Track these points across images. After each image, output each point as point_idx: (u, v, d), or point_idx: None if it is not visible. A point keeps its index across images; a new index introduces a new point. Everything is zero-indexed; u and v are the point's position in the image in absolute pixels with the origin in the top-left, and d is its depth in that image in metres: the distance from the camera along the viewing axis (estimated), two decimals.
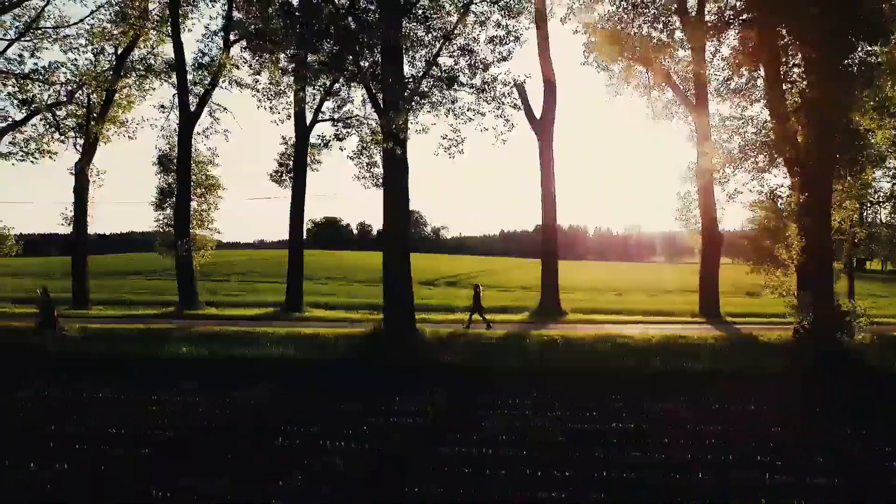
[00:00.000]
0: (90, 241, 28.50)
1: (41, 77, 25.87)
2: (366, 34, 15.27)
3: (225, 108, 24.54)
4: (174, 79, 23.94)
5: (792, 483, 7.60)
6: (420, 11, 15.51)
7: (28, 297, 28.10)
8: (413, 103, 15.32)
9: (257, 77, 23.71)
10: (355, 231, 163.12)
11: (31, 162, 26.12)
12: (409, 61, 16.14)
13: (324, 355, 15.07)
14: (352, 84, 18.41)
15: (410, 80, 15.66)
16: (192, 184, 23.87)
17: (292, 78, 21.60)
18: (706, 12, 21.07)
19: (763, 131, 14.87)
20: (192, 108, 23.73)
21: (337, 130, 16.95)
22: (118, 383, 12.78)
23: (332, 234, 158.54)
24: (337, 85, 21.91)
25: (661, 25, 22.22)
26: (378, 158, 16.34)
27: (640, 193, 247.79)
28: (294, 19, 14.66)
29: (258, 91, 22.77)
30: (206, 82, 23.94)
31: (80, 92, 26.46)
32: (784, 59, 14.55)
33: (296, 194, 23.67)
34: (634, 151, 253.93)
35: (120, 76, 26.04)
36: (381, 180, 16.52)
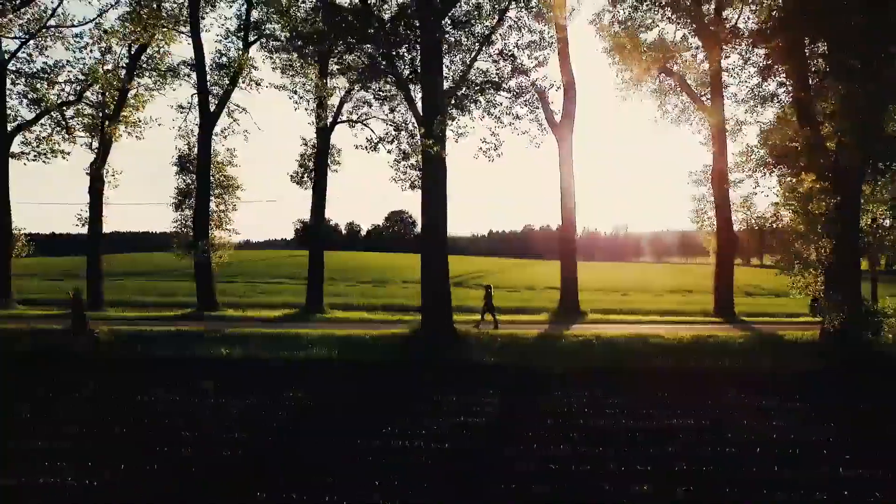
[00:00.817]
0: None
1: (47, 76, 25.66)
2: (408, 39, 15.49)
3: (244, 109, 24.47)
4: (193, 79, 23.85)
5: (866, 477, 7.98)
6: (460, 16, 15.75)
7: (40, 297, 27.86)
8: (454, 107, 15.55)
9: (281, 78, 23.94)
10: (344, 231, 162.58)
11: (43, 162, 25.94)
12: (445, 66, 16.36)
13: (368, 356, 15.20)
14: (379, 88, 18.65)
15: (450, 84, 15.90)
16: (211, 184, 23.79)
17: (314, 82, 21.76)
18: (724, 18, 21.66)
19: (791, 138, 15.34)
20: (212, 109, 23.65)
21: (386, 133, 16.97)
22: (166, 385, 12.76)
23: (321, 233, 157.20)
24: (354, 88, 22.25)
25: (676, 28, 22.83)
26: (413, 161, 16.52)
27: (627, 194, 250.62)
28: (342, 23, 14.79)
29: (288, 88, 22.92)
30: (226, 83, 23.87)
31: (89, 91, 26.29)
32: (814, 66, 15.08)
33: (316, 196, 23.73)
34: (620, 153, 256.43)
35: (133, 76, 25.89)
36: (417, 182, 16.73)
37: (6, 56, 24.60)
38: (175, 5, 24.60)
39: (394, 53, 15.36)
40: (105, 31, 25.06)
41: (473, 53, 16.21)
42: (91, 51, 25.80)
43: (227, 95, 23.93)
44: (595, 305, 27.07)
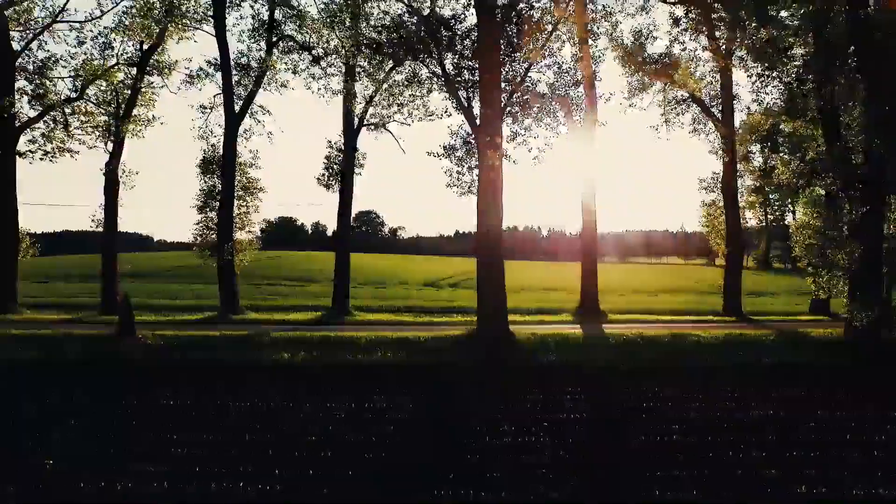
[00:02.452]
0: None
1: (45, 71, 24.79)
2: (466, 48, 16.00)
3: (268, 111, 24.31)
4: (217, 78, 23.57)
5: None
6: (514, 34, 16.35)
7: (44, 301, 26.78)
8: (509, 115, 16.13)
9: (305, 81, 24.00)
10: (310, 231, 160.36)
11: (50, 161, 25.05)
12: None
13: (433, 359, 15.58)
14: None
15: (506, 93, 16.48)
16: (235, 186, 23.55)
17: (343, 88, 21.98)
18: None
19: (816, 152, 16.66)
20: (237, 110, 23.43)
21: (454, 141, 17.33)
22: (255, 391, 12.82)
23: (288, 234, 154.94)
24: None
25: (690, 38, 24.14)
26: (467, 167, 17.00)
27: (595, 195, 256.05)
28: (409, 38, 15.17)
29: (314, 91, 23.03)
30: (250, 83, 23.68)
31: (93, 88, 25.50)
32: (840, 83, 16.41)
33: (343, 198, 23.83)
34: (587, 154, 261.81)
35: (144, 73, 25.31)
36: (470, 188, 17.22)
37: (15, 51, 23.59)
38: (196, 4, 24.17)
39: (456, 73, 15.89)
40: (118, 26, 24.39)
41: (527, 65, 16.84)
42: (92, 46, 25.07)
43: (252, 97, 23.74)
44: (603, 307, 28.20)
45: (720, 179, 24.71)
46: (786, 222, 71.81)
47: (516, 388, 13.38)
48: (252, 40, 23.87)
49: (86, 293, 31.60)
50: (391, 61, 17.23)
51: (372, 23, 17.70)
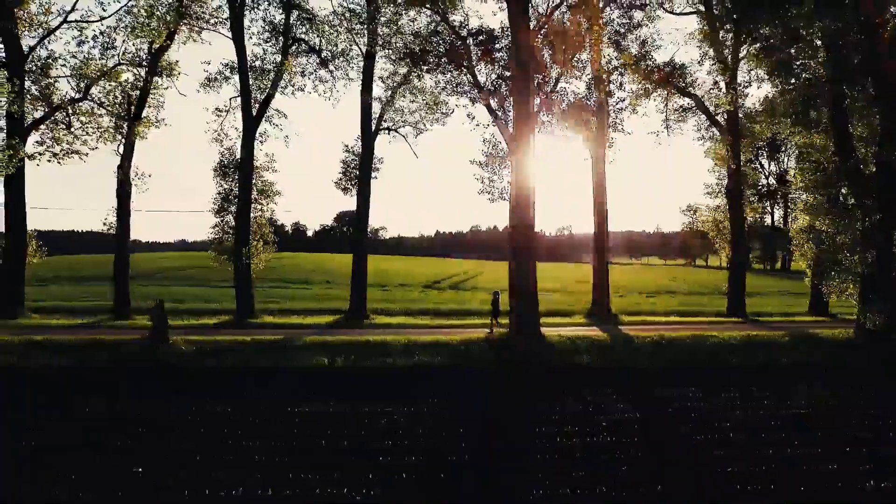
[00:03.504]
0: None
1: (43, 70, 24.35)
2: (499, 60, 16.39)
3: (284, 114, 24.30)
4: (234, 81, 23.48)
5: None
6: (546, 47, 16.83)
7: (50, 305, 26.21)
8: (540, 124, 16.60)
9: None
10: (289, 231, 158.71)
11: (58, 163, 24.56)
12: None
13: (468, 361, 15.92)
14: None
15: (538, 104, 16.95)
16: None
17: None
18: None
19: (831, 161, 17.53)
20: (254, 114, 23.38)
21: (488, 151, 17.64)
22: (290, 396, 12.94)
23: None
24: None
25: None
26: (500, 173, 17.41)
27: (569, 197, 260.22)
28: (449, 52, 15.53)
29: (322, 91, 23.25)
30: (267, 87, 23.64)
31: (98, 90, 25.12)
32: (851, 97, 17.33)
33: (360, 202, 23.97)
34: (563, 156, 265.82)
35: (155, 74, 25.05)
36: (502, 194, 17.64)
37: (25, 50, 23.10)
38: (204, 6, 24.01)
39: (490, 86, 16.31)
40: (126, 26, 24.07)
41: (556, 75, 17.34)
42: (92, 46, 24.67)
43: (268, 101, 23.69)
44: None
45: (725, 185, 25.61)
46: (765, 224, 74.39)
47: (562, 389, 13.83)
48: (268, 44, 23.80)
49: (88, 296, 31.01)
50: (423, 71, 17.43)
51: (405, 30, 17.88)
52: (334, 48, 24.72)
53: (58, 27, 23.52)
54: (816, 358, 16.72)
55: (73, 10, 23.78)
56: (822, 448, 9.93)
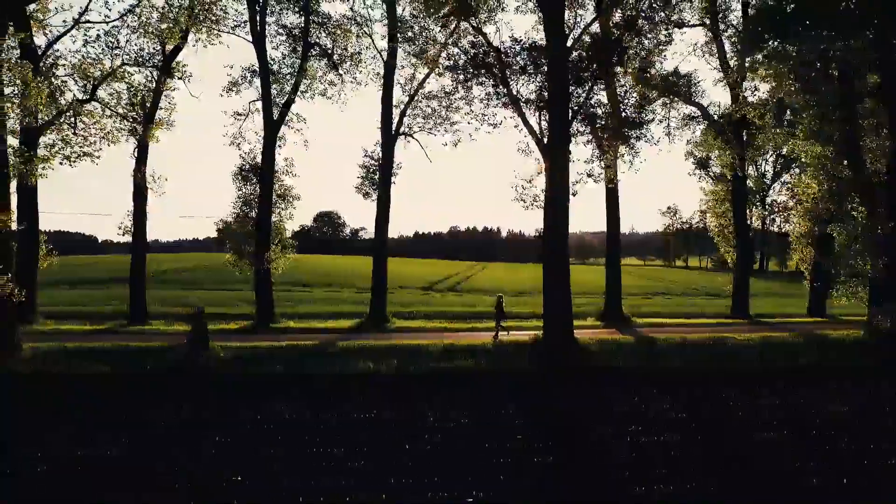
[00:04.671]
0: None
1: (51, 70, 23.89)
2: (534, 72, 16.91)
3: (303, 119, 24.33)
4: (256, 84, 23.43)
5: None
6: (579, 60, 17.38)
7: (59, 310, 25.61)
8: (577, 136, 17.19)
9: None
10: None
11: (70, 165, 24.05)
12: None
13: (511, 365, 16.35)
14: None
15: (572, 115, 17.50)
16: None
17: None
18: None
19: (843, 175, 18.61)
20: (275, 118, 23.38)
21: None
22: (344, 402, 13.17)
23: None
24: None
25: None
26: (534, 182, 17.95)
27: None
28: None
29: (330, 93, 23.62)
30: (287, 92, 23.67)
31: (104, 89, 24.73)
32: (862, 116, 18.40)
33: (381, 204, 24.17)
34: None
35: (169, 76, 24.79)
36: (536, 201, 18.17)
37: (39, 52, 22.61)
38: (216, 9, 23.88)
39: (525, 97, 16.83)
40: (136, 26, 23.78)
41: (588, 86, 17.89)
42: (96, 46, 24.28)
43: (289, 104, 23.72)
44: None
45: (729, 191, 26.66)
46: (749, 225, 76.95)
47: (606, 391, 14.39)
48: (286, 48, 23.85)
49: (89, 300, 30.36)
50: (462, 84, 17.81)
51: (442, 41, 18.24)
52: (344, 51, 24.91)
53: (72, 27, 23.08)
54: (832, 359, 17.65)
55: (86, 10, 23.38)
56: (874, 443, 10.67)
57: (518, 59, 17.37)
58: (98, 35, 23.90)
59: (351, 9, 24.50)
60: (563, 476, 9.42)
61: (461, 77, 17.33)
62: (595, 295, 33.93)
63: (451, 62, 17.68)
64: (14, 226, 16.73)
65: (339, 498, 8.38)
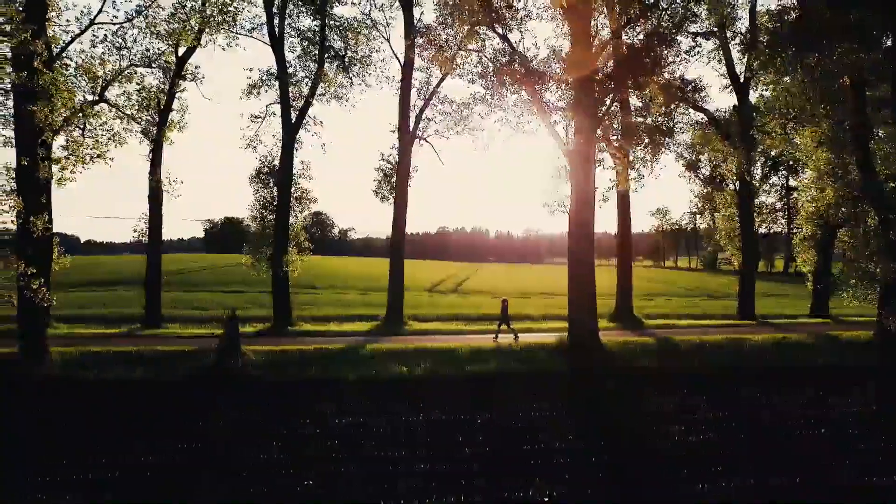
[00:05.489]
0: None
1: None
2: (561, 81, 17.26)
3: (321, 122, 24.40)
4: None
5: None
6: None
7: (72, 314, 25.29)
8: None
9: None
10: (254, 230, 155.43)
11: (83, 168, 23.83)
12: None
13: (544, 366, 16.66)
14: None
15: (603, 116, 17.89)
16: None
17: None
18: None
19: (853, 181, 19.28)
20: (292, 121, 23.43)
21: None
22: (391, 405, 13.39)
23: (233, 236, 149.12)
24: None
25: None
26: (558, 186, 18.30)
27: (537, 198, 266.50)
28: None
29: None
30: (304, 95, 23.75)
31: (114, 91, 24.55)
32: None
33: (398, 207, 24.34)
34: (527, 161, 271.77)
35: (181, 78, 24.70)
36: (561, 205, 18.52)
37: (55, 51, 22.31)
38: (241, 12, 23.88)
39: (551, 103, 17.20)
40: (147, 27, 23.66)
41: (616, 95, 18.30)
42: (105, 48, 24.09)
43: (306, 108, 23.77)
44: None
45: (736, 195, 27.31)
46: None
47: (640, 391, 14.77)
48: (304, 51, 23.92)
49: (98, 303, 29.99)
50: (489, 90, 18.07)
51: (470, 47, 18.49)
52: (359, 55, 25.07)
53: (87, 28, 22.84)
54: (848, 359, 18.25)
55: (101, 11, 23.17)
56: None
57: (544, 65, 17.68)
58: (105, 36, 23.81)
59: (367, 14, 24.69)
60: (623, 475, 9.72)
61: (491, 83, 17.56)
62: (602, 296, 34.31)
63: (480, 69, 17.91)
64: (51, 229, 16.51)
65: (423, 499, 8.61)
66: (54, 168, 17.12)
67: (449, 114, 24.16)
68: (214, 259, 67.64)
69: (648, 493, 9.18)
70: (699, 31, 25.29)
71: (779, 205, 68.71)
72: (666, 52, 16.28)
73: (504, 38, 18.22)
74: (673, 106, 26.94)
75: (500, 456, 10.35)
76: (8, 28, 13.55)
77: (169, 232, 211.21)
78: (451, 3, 18.39)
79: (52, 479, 9.25)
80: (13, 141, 16.09)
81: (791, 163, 65.17)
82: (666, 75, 17.24)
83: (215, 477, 9.40)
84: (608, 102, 18.03)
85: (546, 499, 8.71)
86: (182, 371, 15.66)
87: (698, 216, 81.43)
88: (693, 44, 18.89)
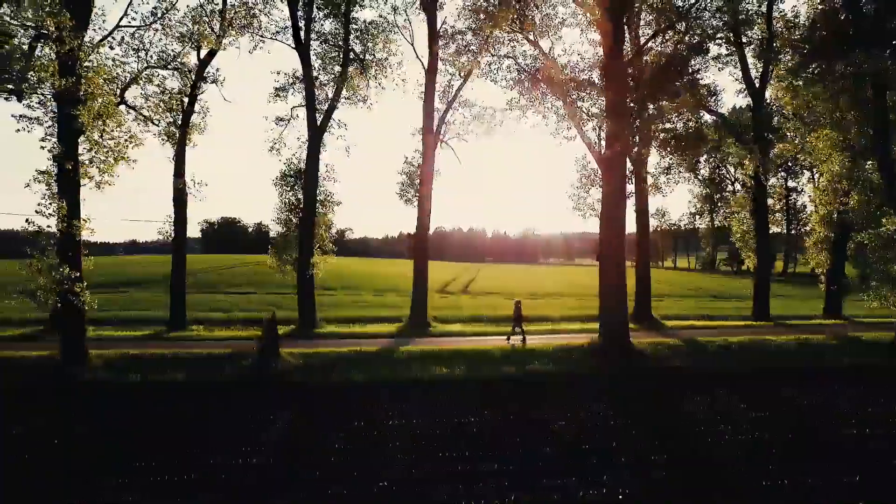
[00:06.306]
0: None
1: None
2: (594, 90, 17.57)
3: (345, 125, 24.56)
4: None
5: None
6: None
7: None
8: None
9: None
10: (251, 231, 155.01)
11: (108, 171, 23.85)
12: None
13: (581, 369, 16.93)
14: None
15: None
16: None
17: None
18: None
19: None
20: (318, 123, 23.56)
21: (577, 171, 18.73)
22: (435, 406, 13.62)
23: (229, 235, 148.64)
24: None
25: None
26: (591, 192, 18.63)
27: (533, 198, 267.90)
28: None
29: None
30: (329, 98, 23.90)
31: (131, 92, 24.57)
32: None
33: (421, 210, 24.55)
34: (524, 162, 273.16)
35: (203, 80, 24.77)
36: (592, 210, 18.83)
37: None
38: (263, 16, 23.97)
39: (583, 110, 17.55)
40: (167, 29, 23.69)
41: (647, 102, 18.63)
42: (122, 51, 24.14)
43: (331, 111, 23.91)
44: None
45: (751, 199, 27.75)
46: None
47: (678, 392, 15.08)
48: (327, 55, 24.07)
49: (112, 305, 29.90)
50: (523, 97, 18.35)
51: (502, 52, 18.76)
52: (371, 56, 25.23)
53: (112, 31, 22.82)
54: (873, 359, 18.68)
55: (125, 14, 23.18)
56: None
57: (577, 72, 17.97)
58: (123, 38, 23.81)
59: (384, 17, 24.92)
60: (686, 476, 9.99)
61: (526, 90, 17.84)
62: None
63: (515, 75, 18.20)
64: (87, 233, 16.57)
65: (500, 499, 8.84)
66: (93, 171, 17.05)
67: (476, 118, 24.45)
68: (216, 260, 67.32)
69: (714, 493, 9.43)
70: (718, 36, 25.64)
71: (777, 205, 69.53)
72: (697, 59, 16.61)
73: (534, 43, 18.49)
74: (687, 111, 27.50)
75: (561, 456, 10.59)
76: (60, 34, 13.62)
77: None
78: (482, 10, 18.65)
79: (131, 482, 9.38)
80: (54, 145, 16.03)
81: (790, 164, 66.37)
82: (691, 82, 17.54)
83: (288, 480, 9.57)
84: (642, 109, 18.33)
85: (620, 497, 8.95)
86: (226, 374, 15.79)
87: (697, 217, 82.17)
88: (729, 51, 19.26)
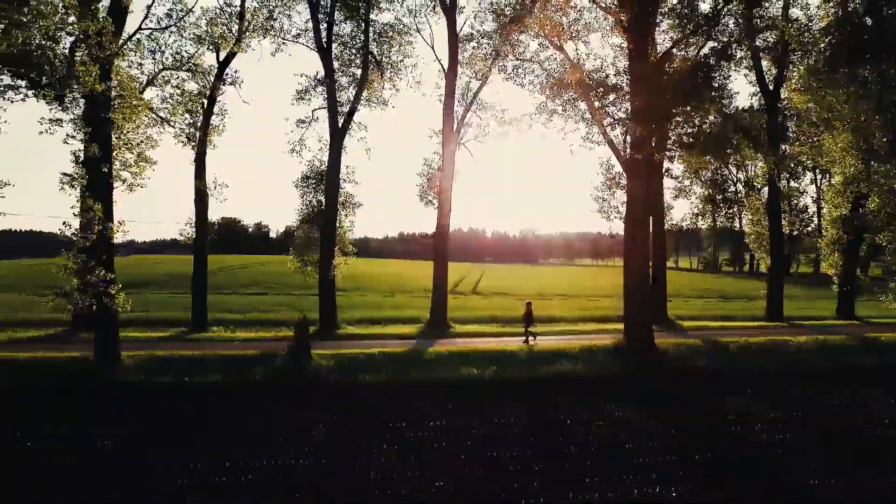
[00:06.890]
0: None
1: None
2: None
3: (365, 126, 24.72)
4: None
5: None
6: None
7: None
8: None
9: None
10: (251, 231, 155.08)
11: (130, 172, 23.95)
12: None
13: (610, 369, 17.13)
14: None
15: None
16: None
17: None
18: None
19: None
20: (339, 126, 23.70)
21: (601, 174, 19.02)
22: (468, 406, 13.84)
23: (230, 235, 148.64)
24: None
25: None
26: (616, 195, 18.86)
27: (534, 198, 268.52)
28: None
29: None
30: (350, 100, 24.07)
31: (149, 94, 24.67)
32: None
33: (441, 211, 24.73)
34: (528, 163, 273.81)
35: (222, 82, 24.88)
36: (616, 213, 19.07)
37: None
38: (283, 19, 24.13)
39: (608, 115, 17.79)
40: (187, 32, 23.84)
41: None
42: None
43: (352, 113, 24.07)
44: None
45: (766, 201, 28.04)
46: (735, 228, 79.66)
47: (705, 392, 15.31)
48: (347, 57, 24.23)
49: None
50: (550, 100, 18.55)
51: (527, 56, 18.96)
52: (388, 58, 25.41)
53: (134, 34, 22.95)
54: (894, 359, 18.94)
55: (146, 17, 23.31)
56: None
57: (602, 77, 18.18)
58: (139, 40, 23.92)
59: (400, 20, 25.06)
60: (720, 475, 10.19)
61: (555, 94, 18.03)
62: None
63: (541, 80, 18.40)
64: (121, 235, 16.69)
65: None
66: (126, 174, 17.18)
67: (500, 121, 24.73)
68: (221, 261, 67.35)
69: (748, 491, 9.62)
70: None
71: (784, 207, 70.03)
72: (723, 65, 16.85)
73: (559, 48, 18.68)
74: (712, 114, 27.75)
75: (600, 455, 10.78)
76: (100, 40, 13.74)
77: (169, 232, 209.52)
78: (506, 14, 18.83)
79: (188, 482, 9.54)
80: (93, 148, 16.12)
81: (792, 165, 66.75)
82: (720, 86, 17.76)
83: (346, 479, 9.74)
84: (668, 114, 18.53)
85: (674, 494, 9.15)
86: (261, 374, 15.94)
87: (700, 217, 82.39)
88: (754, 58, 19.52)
